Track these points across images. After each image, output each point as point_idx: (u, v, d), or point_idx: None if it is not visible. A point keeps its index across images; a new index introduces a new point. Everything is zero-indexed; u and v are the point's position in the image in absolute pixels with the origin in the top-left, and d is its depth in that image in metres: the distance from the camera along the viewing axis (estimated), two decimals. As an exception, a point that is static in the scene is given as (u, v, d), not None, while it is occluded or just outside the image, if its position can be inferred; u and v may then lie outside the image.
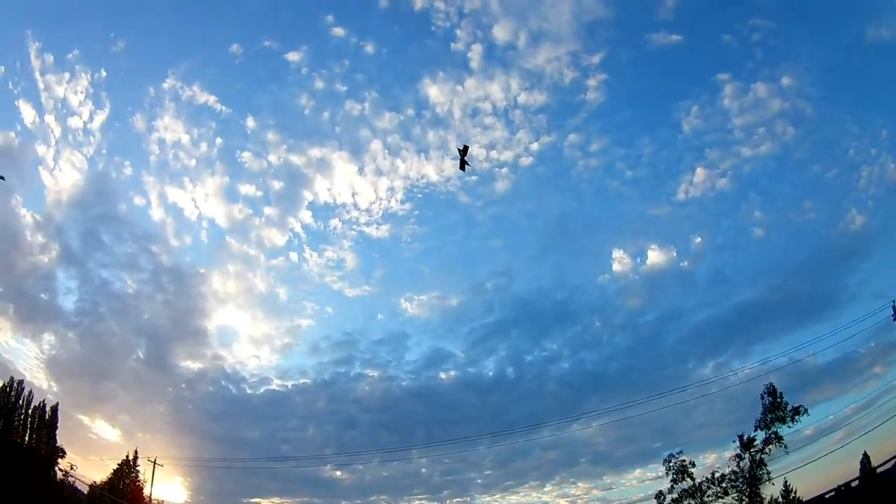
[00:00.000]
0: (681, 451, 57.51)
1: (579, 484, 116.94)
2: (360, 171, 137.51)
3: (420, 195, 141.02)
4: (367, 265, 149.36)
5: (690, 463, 56.08)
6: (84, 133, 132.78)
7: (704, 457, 73.24)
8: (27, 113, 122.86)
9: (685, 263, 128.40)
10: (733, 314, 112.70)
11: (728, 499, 53.27)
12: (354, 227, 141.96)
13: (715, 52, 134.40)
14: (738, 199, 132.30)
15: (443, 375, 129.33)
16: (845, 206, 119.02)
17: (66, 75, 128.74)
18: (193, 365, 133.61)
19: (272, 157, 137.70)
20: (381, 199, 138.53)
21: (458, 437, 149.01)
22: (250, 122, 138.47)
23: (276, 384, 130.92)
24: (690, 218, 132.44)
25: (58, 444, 60.67)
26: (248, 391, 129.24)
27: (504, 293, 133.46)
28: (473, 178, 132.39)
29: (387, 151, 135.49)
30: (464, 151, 45.27)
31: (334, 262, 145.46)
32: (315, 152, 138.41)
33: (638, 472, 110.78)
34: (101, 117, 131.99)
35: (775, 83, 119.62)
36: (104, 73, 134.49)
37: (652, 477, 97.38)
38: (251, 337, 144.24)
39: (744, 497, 52.52)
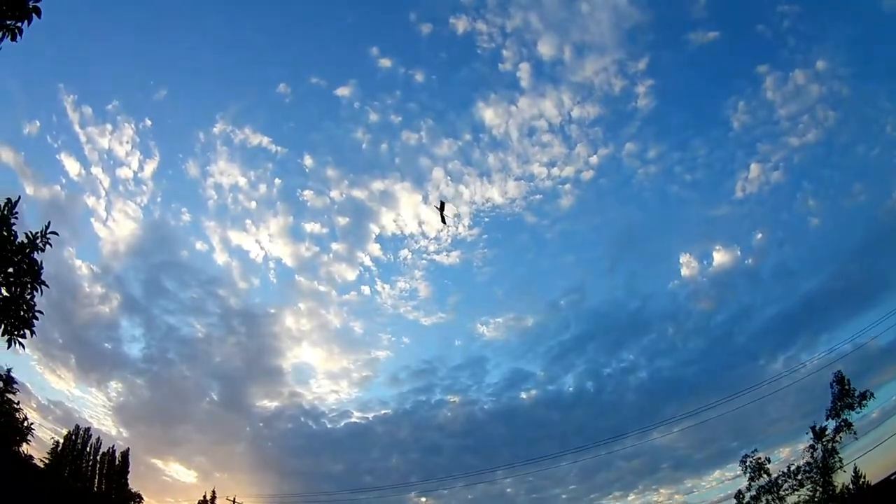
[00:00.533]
0: (756, 450, 58.25)
1: (661, 490, 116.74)
2: (425, 199, 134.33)
3: (486, 219, 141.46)
4: (440, 293, 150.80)
5: (766, 459, 56.92)
6: (135, 182, 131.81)
7: (779, 451, 73.77)
8: (71, 166, 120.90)
9: (749, 261, 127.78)
10: (799, 307, 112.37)
11: (803, 491, 54.03)
12: (424, 256, 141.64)
13: (751, 44, 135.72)
14: (792, 190, 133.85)
15: (523, 395, 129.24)
16: (892, 184, 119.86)
17: (108, 126, 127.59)
18: (270, 403, 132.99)
19: (334, 194, 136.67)
20: (448, 227, 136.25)
21: (541, 455, 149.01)
22: (308, 161, 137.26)
23: (356, 417, 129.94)
24: (750, 215, 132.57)
25: (129, 488, 59.57)
26: (329, 425, 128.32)
27: (578, 308, 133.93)
28: (538, 196, 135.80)
29: (449, 178, 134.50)
30: (441, 207, 46.81)
31: (407, 292, 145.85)
32: (377, 185, 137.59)
33: (717, 473, 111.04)
34: (151, 166, 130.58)
35: (811, 68, 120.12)
36: (149, 122, 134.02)
37: (731, 477, 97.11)
38: (328, 372, 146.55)
39: (818, 487, 53.22)
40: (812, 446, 53.71)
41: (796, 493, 54.13)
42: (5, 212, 6.03)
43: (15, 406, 7.03)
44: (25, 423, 7.24)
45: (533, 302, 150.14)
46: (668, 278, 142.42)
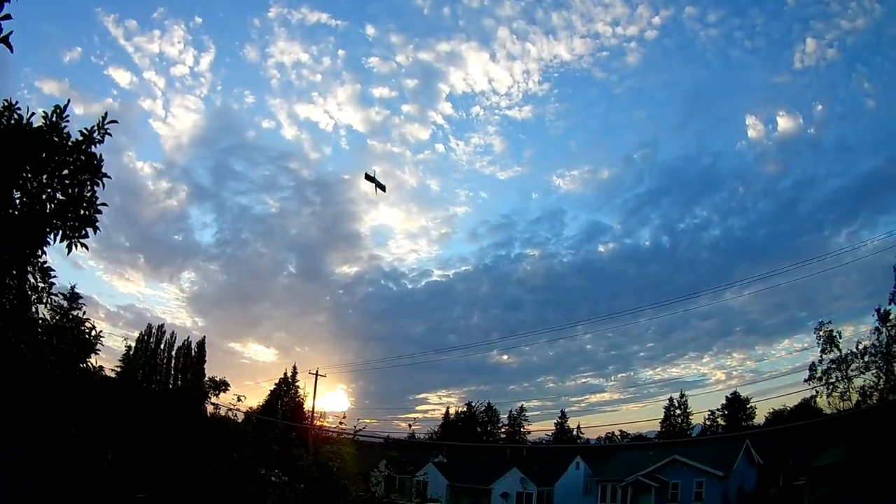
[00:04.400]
0: (829, 321, 57.72)
1: (734, 354, 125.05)
2: (493, 58, 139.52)
3: (556, 74, 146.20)
4: (514, 147, 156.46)
5: (837, 333, 56.16)
6: (192, 77, 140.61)
7: (843, 328, 73.52)
8: (121, 77, 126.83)
9: (812, 130, 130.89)
10: (859, 183, 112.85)
11: (868, 375, 53.59)
12: (497, 112, 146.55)
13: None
14: (847, 70, 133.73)
15: (601, 248, 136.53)
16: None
17: (157, 32, 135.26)
18: (349, 269, 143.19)
19: (400, 58, 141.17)
20: (518, 83, 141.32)
21: (620, 310, 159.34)
22: (370, 30, 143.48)
23: (436, 275, 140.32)
24: (809, 86, 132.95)
25: (206, 378, 62.71)
26: (409, 286, 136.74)
27: (651, 162, 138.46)
28: (605, 53, 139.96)
29: (515, 37, 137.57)
30: (372, 179, 44.46)
31: (482, 147, 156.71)
32: (443, 47, 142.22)
33: (786, 342, 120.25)
34: (207, 59, 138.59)
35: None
36: (199, 20, 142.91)
37: (799, 348, 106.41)
38: (407, 232, 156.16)
39: (881, 374, 52.67)
40: (878, 328, 52.46)
41: (862, 376, 53.94)
42: (54, 118, 5.52)
43: (82, 318, 7.18)
44: (93, 333, 7.42)
45: (607, 155, 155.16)
46: (735, 138, 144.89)
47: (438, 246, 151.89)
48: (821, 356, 55.79)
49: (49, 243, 5.72)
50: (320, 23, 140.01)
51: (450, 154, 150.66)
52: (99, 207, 5.87)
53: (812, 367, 56.49)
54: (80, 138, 5.76)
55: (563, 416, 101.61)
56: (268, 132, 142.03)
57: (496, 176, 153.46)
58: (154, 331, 60.99)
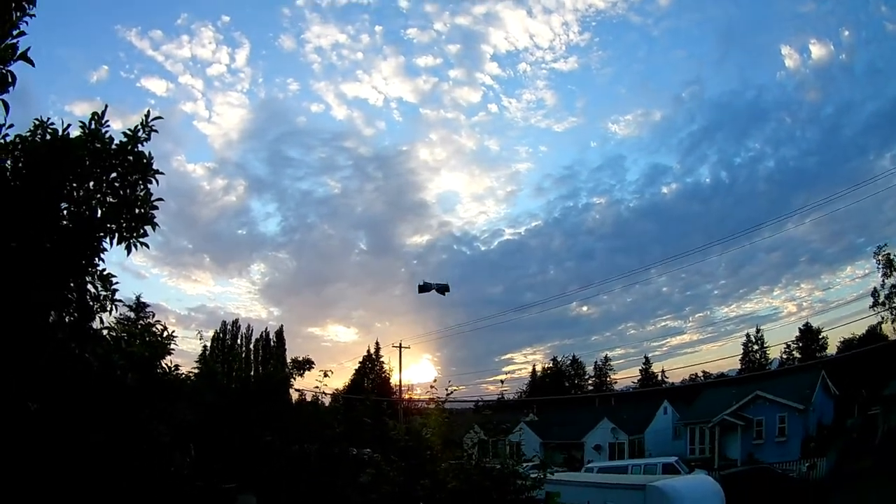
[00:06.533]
0: (886, 245, 56.25)
1: (802, 286, 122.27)
2: (530, 13, 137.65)
3: (594, 23, 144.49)
4: (566, 99, 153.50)
5: (895, 257, 54.63)
6: (231, 74, 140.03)
7: None
8: (155, 86, 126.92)
9: (843, 56, 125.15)
10: (893, 105, 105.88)
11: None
12: (543, 66, 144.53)
13: None
14: None
15: (664, 190, 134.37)
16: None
17: (185, 37, 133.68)
18: (421, 239, 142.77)
19: (438, 26, 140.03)
20: (559, 35, 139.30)
21: (689, 249, 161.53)
22: (403, 3, 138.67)
23: (508, 234, 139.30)
24: (833, 12, 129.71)
25: (288, 365, 63.69)
26: (482, 248, 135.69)
27: (700, 100, 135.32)
28: None
29: None
30: (427, 287, 37.28)
31: (534, 102, 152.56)
32: (478, 9, 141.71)
33: (849, 269, 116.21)
34: (242, 54, 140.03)
35: None
36: (227, 18, 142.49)
37: (861, 275, 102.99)
38: (473, 194, 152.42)
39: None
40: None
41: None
42: (93, 125, 5.46)
43: (151, 322, 6.90)
44: (165, 335, 7.11)
45: (656, 97, 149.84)
46: (773, 69, 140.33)
47: (506, 205, 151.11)
48: (882, 281, 53.59)
49: (105, 249, 5.60)
50: (351, 2, 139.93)
51: (504, 113, 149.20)
52: (155, 203, 5.71)
53: (874, 293, 54.36)
54: (125, 139, 5.61)
55: (647, 361, 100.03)
56: (318, 115, 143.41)
57: (552, 129, 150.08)
58: (229, 326, 61.81)
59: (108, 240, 5.47)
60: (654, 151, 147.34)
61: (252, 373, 61.21)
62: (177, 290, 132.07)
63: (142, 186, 5.59)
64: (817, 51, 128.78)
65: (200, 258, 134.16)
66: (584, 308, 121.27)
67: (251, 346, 61.92)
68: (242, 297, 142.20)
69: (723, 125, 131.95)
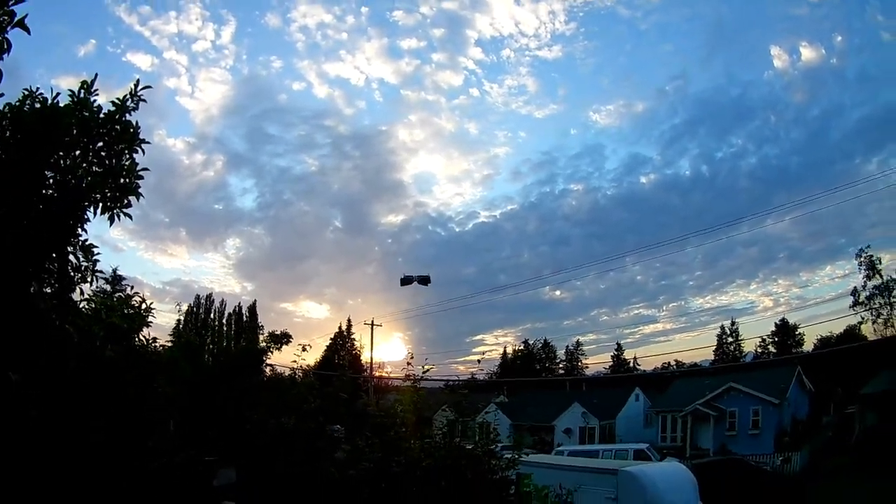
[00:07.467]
0: (869, 246, 57.73)
1: (779, 281, 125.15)
2: (517, 1, 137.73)
3: (581, 14, 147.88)
4: (548, 86, 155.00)
5: (877, 259, 56.21)
6: (215, 50, 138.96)
7: (881, 255, 72.83)
8: (141, 61, 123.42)
9: (834, 60, 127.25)
10: (884, 112, 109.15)
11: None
12: (527, 53, 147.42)
13: None
14: (861, 2, 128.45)
15: (643, 180, 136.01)
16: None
17: (172, 13, 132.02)
18: (396, 218, 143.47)
19: (424, 9, 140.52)
20: (544, 24, 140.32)
21: (666, 239, 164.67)
22: None
23: (483, 216, 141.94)
24: (827, 17, 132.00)
25: (265, 339, 63.49)
26: (457, 229, 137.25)
27: (684, 94, 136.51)
28: None
29: None
30: (409, 280, 37.34)
31: (516, 88, 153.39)
32: None
33: (828, 268, 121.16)
34: (228, 31, 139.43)
35: None
36: None
37: (841, 274, 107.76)
38: (450, 176, 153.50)
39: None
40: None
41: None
42: (82, 94, 5.38)
43: (130, 294, 6.88)
44: (143, 307, 7.05)
45: (639, 89, 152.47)
46: (761, 68, 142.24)
47: (482, 188, 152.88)
48: (864, 282, 55.11)
49: (88, 219, 5.52)
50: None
51: (485, 97, 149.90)
52: (140, 174, 5.66)
53: (854, 293, 55.76)
54: (113, 108, 5.55)
55: (619, 348, 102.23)
56: (299, 94, 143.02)
57: (533, 115, 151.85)
58: (203, 300, 61.42)
59: (91, 209, 5.43)
60: (635, 142, 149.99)
61: (224, 345, 61.53)
62: (152, 263, 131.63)
63: (128, 156, 5.55)
64: (808, 53, 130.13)
65: (177, 232, 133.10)
66: (558, 292, 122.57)
67: (224, 320, 61.85)
68: (217, 272, 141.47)
69: (705, 120, 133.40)
